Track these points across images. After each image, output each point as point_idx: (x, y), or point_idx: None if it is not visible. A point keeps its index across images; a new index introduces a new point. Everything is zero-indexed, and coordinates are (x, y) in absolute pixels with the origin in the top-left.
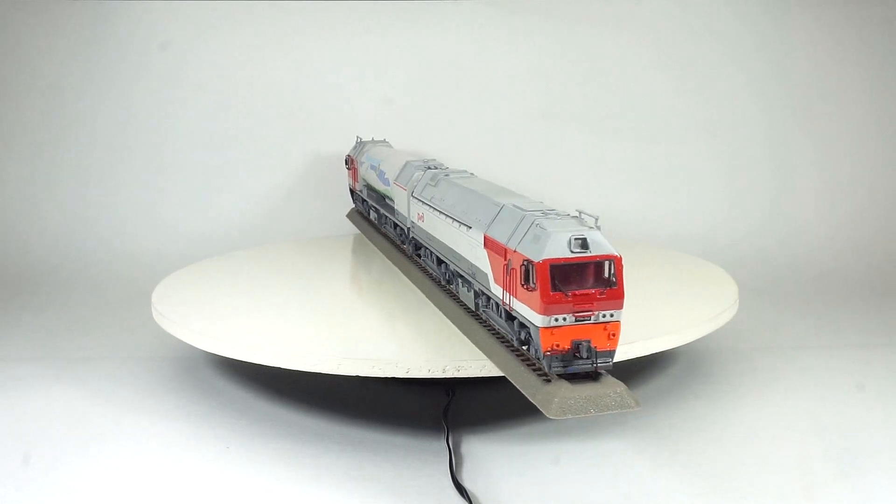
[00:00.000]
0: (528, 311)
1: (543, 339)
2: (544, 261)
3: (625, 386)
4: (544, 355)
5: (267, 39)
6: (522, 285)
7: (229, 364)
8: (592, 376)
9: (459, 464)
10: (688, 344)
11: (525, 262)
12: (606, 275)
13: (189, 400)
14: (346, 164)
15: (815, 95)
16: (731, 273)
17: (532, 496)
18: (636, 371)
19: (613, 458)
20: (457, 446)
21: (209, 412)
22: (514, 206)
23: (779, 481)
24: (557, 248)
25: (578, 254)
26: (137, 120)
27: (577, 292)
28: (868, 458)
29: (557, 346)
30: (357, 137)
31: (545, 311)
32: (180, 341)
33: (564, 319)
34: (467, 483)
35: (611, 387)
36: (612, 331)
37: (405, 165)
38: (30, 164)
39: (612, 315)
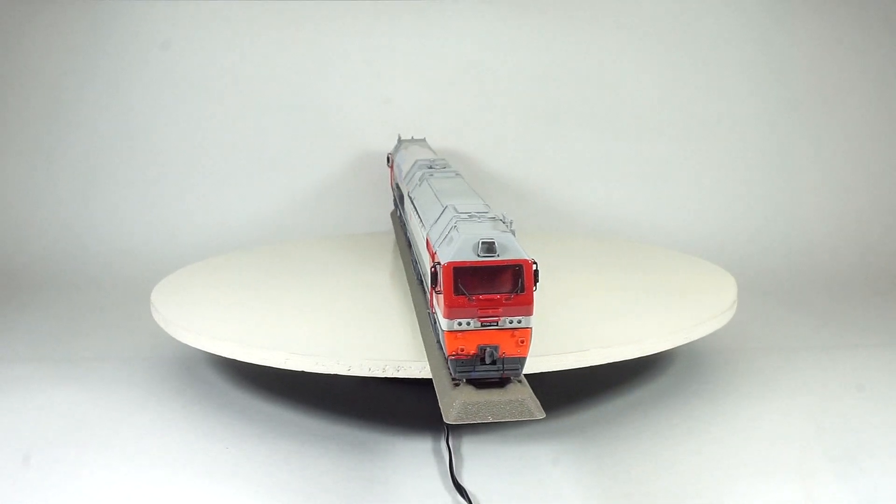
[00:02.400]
0: (438, 314)
1: (448, 342)
2: (448, 263)
3: (531, 393)
4: (449, 359)
5: (289, 37)
6: (432, 287)
7: (229, 364)
8: (500, 383)
9: (459, 464)
10: (688, 344)
11: (434, 265)
12: (515, 280)
13: (189, 400)
14: (388, 162)
15: (817, 95)
16: (731, 273)
17: (532, 497)
18: (636, 371)
19: (612, 459)
20: (457, 446)
21: (209, 412)
22: (453, 207)
23: (779, 481)
24: (463, 251)
25: (485, 257)
26: (138, 119)
27: (481, 297)
28: (868, 458)
29: (462, 350)
30: (399, 136)
31: (448, 315)
32: (179, 341)
33: (469, 324)
34: (467, 483)
35: (515, 394)
36: (521, 337)
37: (413, 164)
38: (36, 163)
39: (520, 321)
